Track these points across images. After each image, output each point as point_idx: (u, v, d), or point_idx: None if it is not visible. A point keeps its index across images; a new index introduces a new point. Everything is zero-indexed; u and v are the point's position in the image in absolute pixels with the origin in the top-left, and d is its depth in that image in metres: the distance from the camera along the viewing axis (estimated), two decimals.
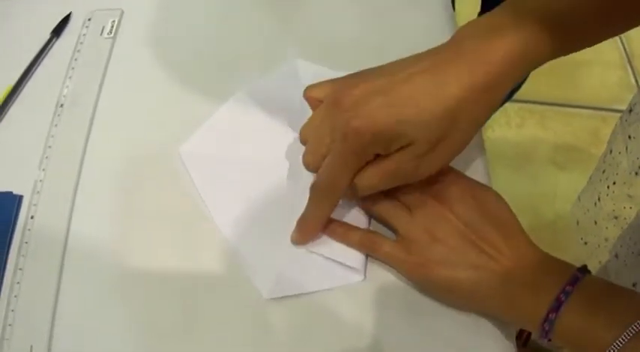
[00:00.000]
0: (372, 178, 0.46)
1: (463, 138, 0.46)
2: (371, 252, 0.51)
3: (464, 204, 0.49)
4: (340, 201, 0.50)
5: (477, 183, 0.51)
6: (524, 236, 0.48)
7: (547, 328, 0.44)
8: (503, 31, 0.44)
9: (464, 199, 0.49)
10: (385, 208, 0.51)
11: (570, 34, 0.46)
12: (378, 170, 0.46)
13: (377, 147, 0.45)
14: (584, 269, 0.46)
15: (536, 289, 0.45)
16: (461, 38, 0.46)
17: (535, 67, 0.45)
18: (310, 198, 0.49)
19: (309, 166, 0.49)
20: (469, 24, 0.47)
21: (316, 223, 0.50)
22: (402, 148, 0.44)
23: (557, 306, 0.43)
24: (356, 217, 0.53)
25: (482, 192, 0.50)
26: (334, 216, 0.51)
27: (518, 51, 0.44)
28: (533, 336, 0.49)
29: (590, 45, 0.49)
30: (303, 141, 0.50)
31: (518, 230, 0.49)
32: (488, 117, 0.48)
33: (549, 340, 0.44)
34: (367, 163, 0.46)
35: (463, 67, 0.44)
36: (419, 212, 0.49)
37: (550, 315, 0.43)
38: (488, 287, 0.46)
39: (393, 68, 0.46)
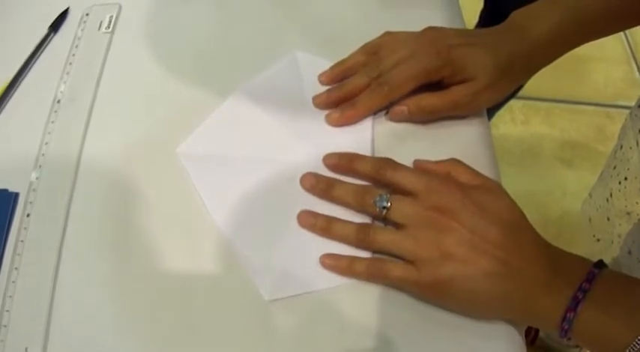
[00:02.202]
0: (435, 101, 0.56)
1: (506, 88, 0.57)
2: (381, 279, 0.48)
3: (466, 211, 0.47)
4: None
5: (475, 184, 0.50)
6: (531, 232, 0.47)
7: (566, 327, 0.43)
8: (544, 18, 0.57)
9: (465, 206, 0.47)
10: (388, 238, 0.49)
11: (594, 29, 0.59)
12: (442, 96, 0.56)
13: (447, 71, 0.55)
14: (600, 264, 0.45)
15: (552, 288, 0.44)
16: (512, 19, 0.59)
17: (564, 52, 0.59)
18: (369, 89, 0.56)
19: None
20: (521, 11, 0.59)
21: (362, 111, 0.57)
22: (462, 82, 0.55)
23: (574, 305, 0.42)
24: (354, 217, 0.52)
25: (481, 195, 0.48)
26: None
27: (555, 32, 0.57)
28: (542, 334, 0.48)
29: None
30: (381, 43, 0.59)
31: (524, 226, 0.47)
32: (525, 80, 0.60)
33: (569, 339, 0.43)
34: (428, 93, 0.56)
35: (516, 37, 0.57)
36: (422, 229, 0.47)
37: (568, 314, 0.42)
38: (505, 294, 0.45)
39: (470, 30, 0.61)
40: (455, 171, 0.51)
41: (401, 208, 0.48)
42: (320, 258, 0.50)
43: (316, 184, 0.53)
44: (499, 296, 0.45)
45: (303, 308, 0.48)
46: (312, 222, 0.51)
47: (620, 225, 0.72)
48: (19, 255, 0.51)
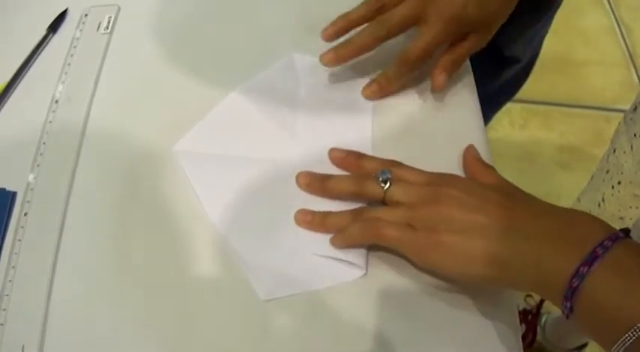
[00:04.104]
0: (463, 51, 0.58)
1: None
2: (375, 239, 0.48)
3: (465, 182, 0.47)
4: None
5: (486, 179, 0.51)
6: (538, 199, 0.46)
7: (575, 284, 0.39)
8: None
9: (465, 182, 0.48)
10: (385, 212, 0.48)
11: None
12: (462, 48, 0.57)
13: (466, 28, 0.56)
14: (626, 231, 0.41)
15: (568, 241, 0.41)
16: None
17: None
18: (397, 63, 0.57)
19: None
20: None
21: (396, 84, 0.59)
22: (474, 34, 0.57)
23: (591, 260, 0.38)
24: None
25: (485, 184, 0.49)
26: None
27: None
28: (539, 337, 0.47)
29: None
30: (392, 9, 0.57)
31: (531, 195, 0.47)
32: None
33: (571, 310, 0.39)
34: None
35: None
36: (420, 201, 0.47)
37: (582, 269, 0.38)
38: (506, 249, 0.42)
39: None
40: (483, 176, 0.51)
41: (401, 186, 0.49)
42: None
43: (311, 181, 0.53)
44: (498, 252, 0.43)
45: (300, 308, 0.48)
46: (309, 220, 0.51)
47: None
48: (16, 254, 0.51)
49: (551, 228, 0.42)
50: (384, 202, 0.49)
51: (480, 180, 0.51)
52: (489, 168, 0.52)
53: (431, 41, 0.56)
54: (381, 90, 0.59)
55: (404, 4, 0.56)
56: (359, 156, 0.54)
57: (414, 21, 0.56)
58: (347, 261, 0.49)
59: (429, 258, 0.46)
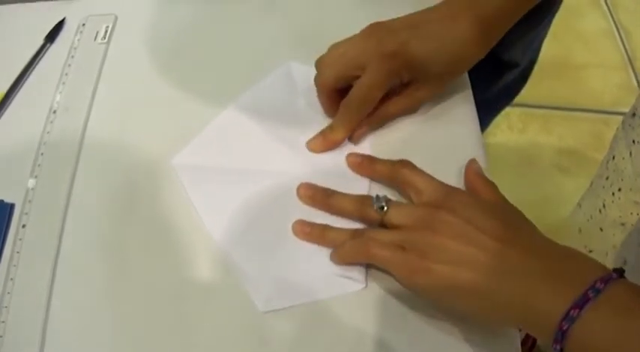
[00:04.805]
0: (393, 110, 0.57)
1: (467, 67, 0.58)
2: (367, 260, 0.48)
3: (464, 206, 0.46)
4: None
5: (486, 195, 0.50)
6: (536, 231, 0.45)
7: (565, 327, 0.38)
8: None
9: (465, 203, 0.46)
10: (384, 237, 0.47)
11: None
12: (408, 95, 0.56)
13: (407, 71, 0.54)
14: (619, 271, 0.40)
15: (559, 282, 0.40)
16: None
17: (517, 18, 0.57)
18: (340, 112, 0.56)
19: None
20: None
21: (341, 133, 0.56)
22: (422, 83, 0.55)
23: (582, 303, 0.38)
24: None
25: (488, 200, 0.49)
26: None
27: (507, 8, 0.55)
28: (539, 342, 0.47)
29: None
30: (336, 54, 0.56)
31: (529, 225, 0.46)
32: (488, 50, 0.56)
33: (561, 349, 0.39)
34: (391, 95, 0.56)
35: (469, 18, 0.54)
36: (418, 225, 0.46)
37: (572, 312, 0.38)
38: (499, 287, 0.42)
39: (416, 15, 0.56)
40: (484, 191, 0.51)
41: (399, 209, 0.48)
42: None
43: (314, 194, 0.53)
44: (487, 287, 0.42)
45: (298, 319, 0.48)
46: (308, 231, 0.51)
47: (614, 235, 0.71)
48: (14, 266, 0.51)
49: (545, 267, 0.42)
50: (383, 225, 0.49)
51: (480, 196, 0.50)
52: (490, 184, 0.51)
53: (369, 82, 0.54)
54: (326, 140, 0.57)
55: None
56: (372, 160, 0.55)
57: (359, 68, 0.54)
58: (347, 272, 0.49)
59: (416, 282, 0.45)
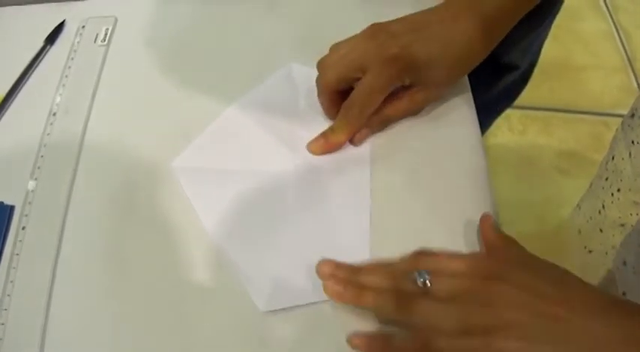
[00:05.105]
0: (401, 107, 0.56)
1: (467, 69, 0.57)
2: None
3: (513, 271, 0.42)
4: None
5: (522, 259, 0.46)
6: (583, 284, 0.43)
7: None
8: None
9: (512, 269, 0.43)
10: (432, 307, 0.43)
11: None
12: (410, 98, 0.56)
13: (409, 74, 0.53)
14: None
15: (629, 345, 0.39)
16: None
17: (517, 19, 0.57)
18: (342, 114, 0.55)
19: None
20: None
21: (343, 135, 0.56)
22: (421, 88, 0.55)
23: None
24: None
25: (527, 259, 0.46)
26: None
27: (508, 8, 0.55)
28: None
29: None
30: (337, 56, 0.55)
31: (575, 279, 0.43)
32: (488, 52, 0.56)
33: None
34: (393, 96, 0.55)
35: (470, 19, 0.53)
36: (469, 298, 0.42)
37: None
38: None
39: (416, 17, 0.56)
40: (506, 247, 0.48)
41: (443, 281, 0.43)
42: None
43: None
44: None
45: (299, 320, 0.48)
46: (340, 292, 0.46)
47: (614, 236, 0.71)
48: (14, 268, 0.51)
49: (601, 328, 0.40)
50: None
51: (499, 254, 0.48)
52: (510, 240, 0.49)
53: (371, 86, 0.53)
54: (327, 143, 0.56)
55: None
56: (386, 265, 0.48)
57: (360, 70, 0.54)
58: None
59: None
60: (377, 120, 0.57)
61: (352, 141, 0.57)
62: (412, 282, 0.44)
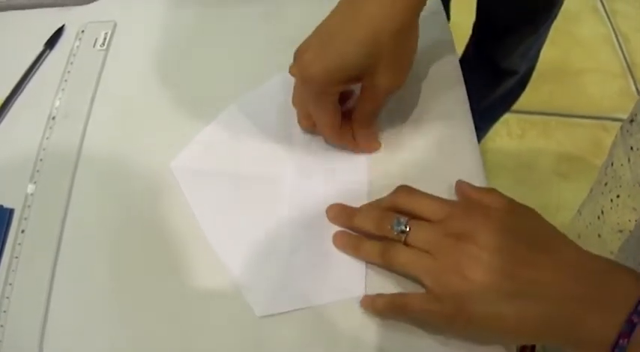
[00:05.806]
0: (365, 101, 0.54)
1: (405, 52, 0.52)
2: (403, 313, 0.46)
3: (487, 233, 0.43)
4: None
5: (506, 209, 0.46)
6: (570, 246, 0.43)
7: None
8: None
9: (487, 229, 0.43)
10: (404, 259, 0.46)
11: None
12: (369, 98, 0.53)
13: (330, 85, 0.50)
14: None
15: (601, 307, 0.39)
16: None
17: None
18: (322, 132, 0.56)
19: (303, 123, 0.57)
20: None
21: (336, 141, 0.56)
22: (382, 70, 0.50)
23: (629, 330, 0.37)
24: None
25: (508, 216, 0.45)
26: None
27: None
28: (538, 347, 0.46)
29: None
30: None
31: (561, 241, 0.43)
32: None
33: None
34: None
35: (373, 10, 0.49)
36: (442, 256, 0.44)
37: (621, 341, 0.37)
38: (539, 317, 0.40)
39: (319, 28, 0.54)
40: (487, 198, 0.47)
41: (419, 233, 0.46)
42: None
43: (339, 213, 0.52)
44: (532, 320, 0.40)
45: (296, 325, 0.48)
46: (346, 241, 0.51)
47: (612, 241, 0.71)
48: (13, 271, 0.51)
49: (582, 290, 0.40)
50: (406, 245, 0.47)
51: (478, 209, 0.47)
52: (491, 190, 0.49)
53: (315, 110, 0.54)
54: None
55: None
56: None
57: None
58: (345, 278, 0.49)
59: (461, 329, 0.44)
60: (360, 119, 0.55)
61: (359, 146, 0.56)
62: (392, 228, 0.47)
